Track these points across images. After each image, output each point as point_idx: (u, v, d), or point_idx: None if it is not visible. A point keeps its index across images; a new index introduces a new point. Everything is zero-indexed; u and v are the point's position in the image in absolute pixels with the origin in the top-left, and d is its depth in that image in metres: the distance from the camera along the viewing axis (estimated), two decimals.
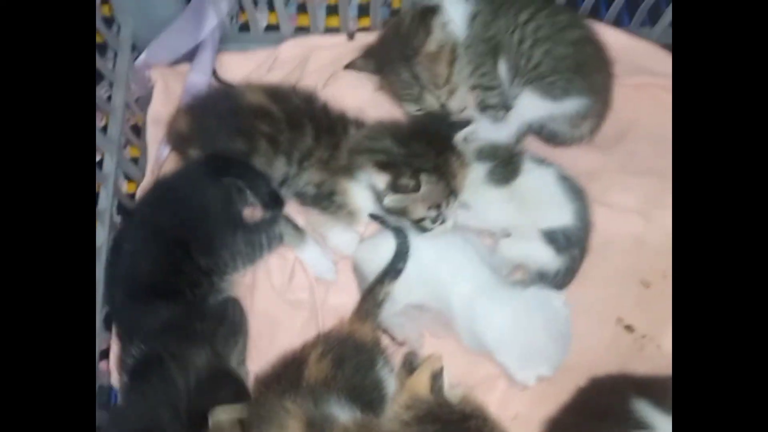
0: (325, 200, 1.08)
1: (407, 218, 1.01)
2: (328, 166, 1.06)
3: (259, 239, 1.09)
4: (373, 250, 1.07)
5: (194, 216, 1.06)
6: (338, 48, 1.33)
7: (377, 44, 1.20)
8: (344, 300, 1.12)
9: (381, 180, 0.99)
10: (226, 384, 0.96)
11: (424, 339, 1.11)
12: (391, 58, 1.15)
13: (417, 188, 0.97)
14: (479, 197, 1.10)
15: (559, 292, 1.03)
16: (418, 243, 1.04)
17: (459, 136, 1.01)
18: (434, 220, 1.01)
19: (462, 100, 1.18)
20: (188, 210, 1.06)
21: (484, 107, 1.18)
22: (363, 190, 1.03)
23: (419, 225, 1.02)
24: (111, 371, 1.09)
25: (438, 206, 1.00)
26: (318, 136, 1.09)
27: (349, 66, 1.21)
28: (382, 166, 0.98)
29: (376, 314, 1.03)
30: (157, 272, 1.02)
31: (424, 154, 0.98)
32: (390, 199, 0.99)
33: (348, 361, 0.93)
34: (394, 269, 1.03)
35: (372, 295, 1.03)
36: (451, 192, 1.00)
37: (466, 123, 1.02)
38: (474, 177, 1.09)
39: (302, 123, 1.09)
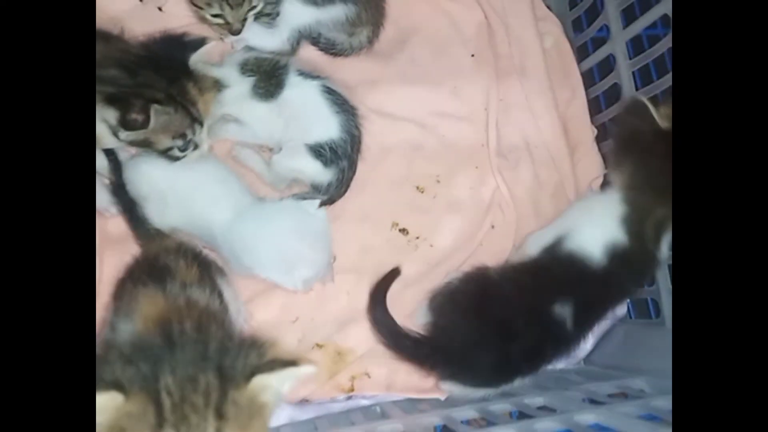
0: None
1: (153, 150, 0.97)
2: None
3: None
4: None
5: None
6: None
7: None
8: None
9: (111, 115, 0.91)
10: None
11: None
12: None
13: (146, 123, 0.91)
14: (248, 112, 1.10)
15: (312, 201, 1.06)
16: (171, 170, 1.01)
17: (195, 59, 0.96)
18: (184, 148, 0.98)
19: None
20: None
21: (258, 14, 1.13)
22: (99, 123, 0.94)
23: (167, 155, 0.98)
24: None
25: (183, 135, 0.96)
26: None
27: None
28: (110, 100, 0.90)
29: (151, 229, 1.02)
30: None
31: (154, 84, 0.92)
32: (125, 135, 0.93)
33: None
34: (118, 186, 1.02)
35: (130, 215, 1.03)
36: (194, 120, 0.96)
37: (200, 42, 0.96)
38: (240, 92, 1.08)
39: None
